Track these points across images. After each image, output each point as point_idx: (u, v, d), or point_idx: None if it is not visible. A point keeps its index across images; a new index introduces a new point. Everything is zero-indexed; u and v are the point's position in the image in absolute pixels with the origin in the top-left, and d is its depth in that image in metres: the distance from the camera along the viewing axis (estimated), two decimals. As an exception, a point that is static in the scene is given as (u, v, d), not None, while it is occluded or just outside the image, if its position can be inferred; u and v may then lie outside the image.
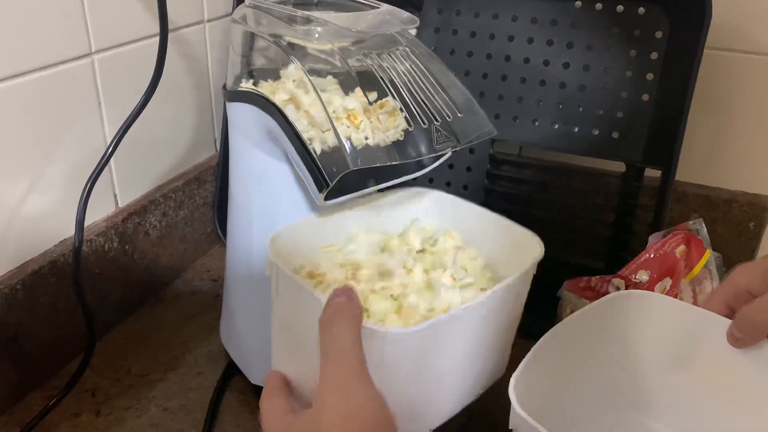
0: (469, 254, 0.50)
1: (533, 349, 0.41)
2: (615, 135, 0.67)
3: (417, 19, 0.47)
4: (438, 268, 0.49)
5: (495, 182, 0.73)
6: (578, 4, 0.66)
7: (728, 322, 0.42)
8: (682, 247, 0.57)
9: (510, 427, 0.37)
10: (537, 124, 0.70)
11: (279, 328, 0.44)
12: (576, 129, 0.69)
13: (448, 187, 0.75)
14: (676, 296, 0.55)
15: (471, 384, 0.45)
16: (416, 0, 0.71)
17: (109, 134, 0.61)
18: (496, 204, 0.71)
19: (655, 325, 0.46)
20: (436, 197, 0.54)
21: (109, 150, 0.54)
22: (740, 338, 0.41)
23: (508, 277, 0.42)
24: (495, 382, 0.48)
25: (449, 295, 0.45)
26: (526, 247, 0.46)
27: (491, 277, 0.49)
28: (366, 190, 0.48)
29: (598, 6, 0.66)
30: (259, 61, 0.50)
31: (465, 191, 0.74)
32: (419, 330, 0.38)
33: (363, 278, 0.46)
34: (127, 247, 0.64)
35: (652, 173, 0.65)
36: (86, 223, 0.59)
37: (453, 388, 0.44)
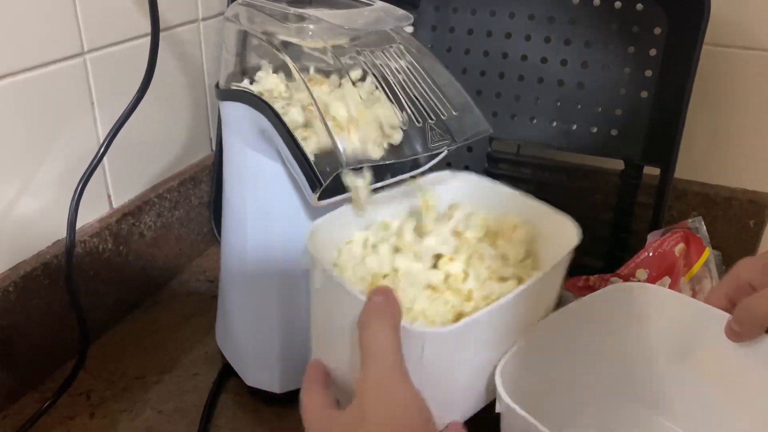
0: (513, 239, 0.48)
1: (525, 335, 0.41)
2: (614, 132, 0.66)
3: (411, 16, 0.46)
4: (475, 258, 0.46)
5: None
6: (576, 0, 0.66)
7: (728, 316, 0.41)
8: (681, 246, 0.56)
9: (497, 411, 0.38)
10: (535, 122, 0.69)
11: (317, 320, 0.43)
12: (574, 127, 0.68)
13: (445, 185, 0.74)
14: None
15: None
16: (412, -3, 0.71)
17: (102, 134, 0.60)
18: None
19: (655, 317, 0.46)
20: (468, 180, 0.52)
21: (101, 150, 0.54)
22: (739, 332, 0.41)
23: (542, 270, 0.41)
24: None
25: (487, 286, 0.43)
26: (561, 233, 0.45)
27: (531, 266, 0.47)
28: (361, 190, 0.48)
29: (596, 2, 0.65)
30: (252, 60, 0.49)
31: (463, 190, 0.73)
32: (458, 328, 0.37)
33: (401, 271, 0.44)
34: (121, 248, 0.64)
35: (651, 171, 0.64)
36: (80, 224, 0.59)
37: (488, 378, 0.43)
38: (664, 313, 0.45)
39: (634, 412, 0.47)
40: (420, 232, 0.47)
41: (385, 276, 0.44)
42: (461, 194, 0.52)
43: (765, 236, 0.73)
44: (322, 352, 0.43)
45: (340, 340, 0.39)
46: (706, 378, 0.44)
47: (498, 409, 0.37)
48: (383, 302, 0.35)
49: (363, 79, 0.46)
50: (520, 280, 0.44)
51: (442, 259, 0.45)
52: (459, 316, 0.41)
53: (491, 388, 0.42)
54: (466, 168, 0.73)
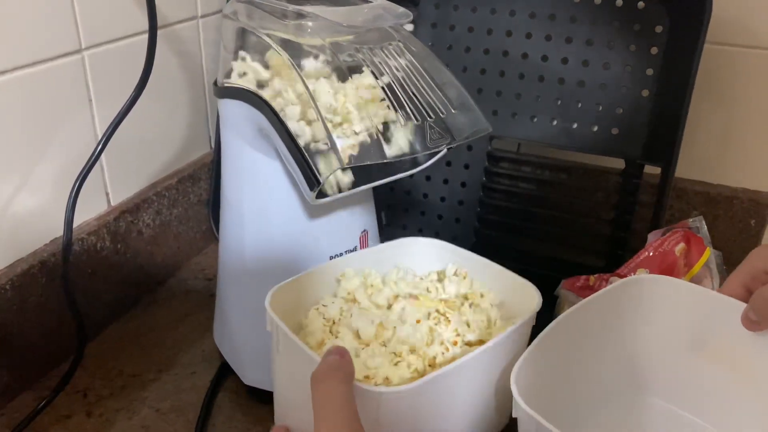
0: (480, 305, 0.49)
1: (538, 338, 0.40)
2: (614, 131, 0.66)
3: (411, 13, 0.46)
4: (443, 321, 0.47)
5: (493, 179, 0.72)
6: (577, -2, 0.65)
7: (743, 305, 0.41)
8: (681, 245, 0.56)
9: (513, 416, 0.37)
10: (535, 120, 0.69)
11: (280, 383, 0.44)
12: (575, 125, 0.68)
13: (445, 184, 0.74)
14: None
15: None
16: (413, -5, 0.70)
17: (101, 132, 0.60)
18: (494, 200, 0.72)
19: (668, 309, 0.45)
20: (432, 245, 0.53)
21: (99, 148, 0.54)
22: (755, 320, 0.40)
23: (506, 330, 0.41)
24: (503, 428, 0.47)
25: (451, 352, 0.44)
26: (523, 296, 0.46)
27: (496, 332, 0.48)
28: (359, 188, 0.47)
29: (598, 0, 0.65)
30: (250, 57, 0.49)
31: (463, 188, 0.73)
32: (414, 388, 0.37)
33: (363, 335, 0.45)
34: (119, 246, 0.63)
35: (653, 170, 0.64)
36: (77, 222, 0.59)
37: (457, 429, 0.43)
38: (677, 305, 0.45)
39: (653, 405, 0.47)
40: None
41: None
42: (425, 260, 0.53)
43: (766, 236, 0.73)
44: (285, 415, 0.43)
45: (301, 403, 0.38)
46: (723, 368, 0.43)
47: (514, 414, 0.37)
48: (337, 361, 0.35)
49: (361, 76, 0.45)
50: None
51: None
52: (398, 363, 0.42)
53: None
54: (466, 167, 0.72)
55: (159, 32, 0.62)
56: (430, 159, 0.51)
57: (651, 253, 0.56)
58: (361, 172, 0.47)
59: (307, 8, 0.45)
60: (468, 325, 0.46)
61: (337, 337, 0.44)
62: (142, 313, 0.67)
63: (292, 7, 0.45)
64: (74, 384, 0.56)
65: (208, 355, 0.61)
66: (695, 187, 0.73)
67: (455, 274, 0.51)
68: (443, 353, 0.43)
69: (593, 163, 0.71)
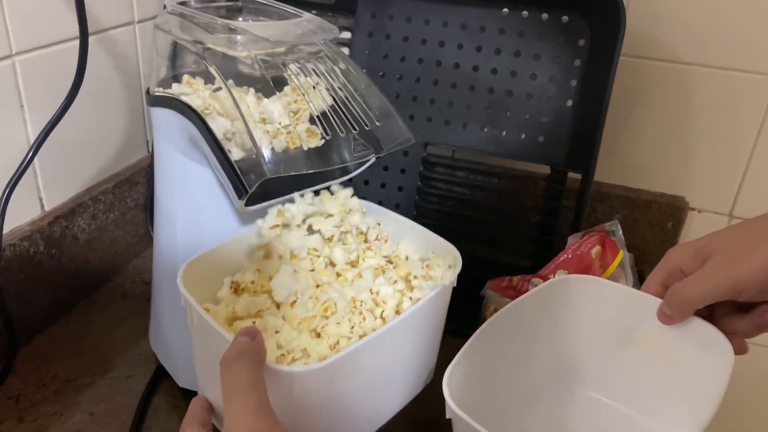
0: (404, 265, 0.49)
1: (470, 340, 0.43)
2: (540, 139, 0.69)
3: (337, 29, 0.48)
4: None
5: (429, 184, 0.75)
6: (506, 11, 0.68)
7: (659, 301, 0.44)
8: (597, 248, 0.59)
9: (447, 417, 0.39)
10: (467, 127, 0.72)
11: (198, 355, 0.44)
12: (504, 133, 0.71)
13: (382, 188, 0.76)
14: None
15: (391, 400, 0.47)
16: (350, 4, 0.72)
17: (33, 137, 0.60)
18: (429, 204, 0.74)
19: (594, 307, 0.49)
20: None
21: (30, 154, 0.54)
22: (669, 315, 0.43)
23: (422, 299, 0.43)
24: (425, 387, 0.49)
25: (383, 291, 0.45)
26: (445, 258, 0.48)
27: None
28: (288, 196, 0.49)
29: (525, 14, 0.68)
30: (182, 67, 0.50)
31: (399, 192, 0.75)
32: (327, 365, 0.38)
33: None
34: (54, 251, 0.63)
35: (577, 175, 0.68)
36: (10, 228, 0.59)
37: (370, 408, 0.45)
38: (602, 303, 0.48)
39: (584, 398, 0.50)
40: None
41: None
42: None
43: (682, 237, 0.78)
44: (205, 386, 0.44)
45: (217, 377, 0.39)
46: (647, 360, 0.47)
47: (448, 415, 0.39)
48: (246, 343, 0.35)
49: (289, 89, 0.47)
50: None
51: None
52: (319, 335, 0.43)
53: (383, 411, 0.44)
54: (402, 172, 0.75)
55: (94, 37, 0.63)
56: (359, 167, 0.53)
57: (569, 256, 0.59)
58: (292, 180, 0.49)
59: (238, 23, 0.46)
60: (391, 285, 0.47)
61: (255, 316, 0.44)
62: (78, 317, 0.67)
63: (222, 21, 0.46)
64: (5, 390, 0.56)
65: (145, 359, 0.61)
66: (617, 191, 0.78)
67: (377, 239, 0.51)
68: (360, 323, 0.44)
69: (522, 168, 0.74)
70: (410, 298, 0.45)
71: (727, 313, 0.43)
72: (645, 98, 0.74)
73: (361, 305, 0.45)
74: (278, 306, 0.44)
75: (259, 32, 0.45)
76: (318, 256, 0.47)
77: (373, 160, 0.51)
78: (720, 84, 0.71)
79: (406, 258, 0.51)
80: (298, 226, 0.49)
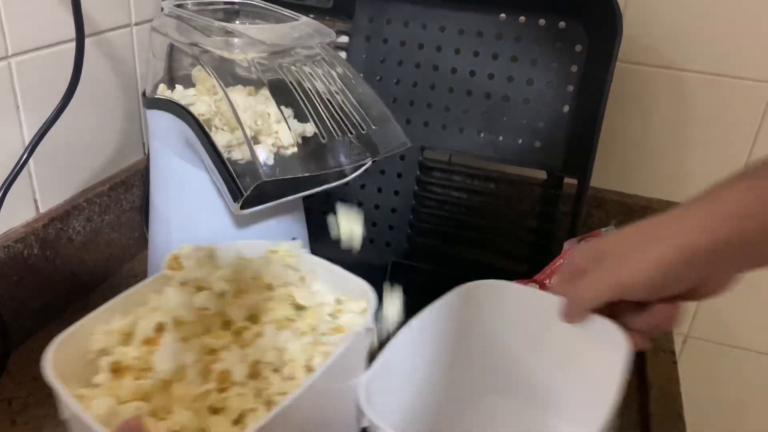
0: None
1: (384, 349, 0.42)
2: (537, 144, 0.69)
3: (334, 33, 0.48)
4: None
5: (425, 188, 0.75)
6: (503, 16, 0.69)
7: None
8: (593, 254, 0.59)
9: (362, 425, 0.38)
10: (464, 132, 0.72)
11: None
12: (500, 138, 0.71)
13: (379, 192, 0.76)
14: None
15: None
16: (347, 8, 0.72)
17: (28, 139, 0.59)
18: (425, 208, 0.74)
19: (507, 311, 0.49)
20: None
21: (25, 156, 0.53)
22: (568, 314, 0.44)
23: (333, 354, 0.38)
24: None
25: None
26: (359, 300, 0.44)
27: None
28: (284, 199, 0.49)
29: (522, 19, 0.68)
30: (178, 70, 0.50)
31: (396, 196, 0.75)
32: None
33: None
34: (48, 253, 0.63)
35: (574, 180, 0.68)
36: (4, 229, 0.59)
37: None
38: (514, 306, 0.49)
39: (501, 403, 0.50)
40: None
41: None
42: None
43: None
44: None
45: None
46: (558, 361, 0.47)
47: (363, 424, 0.37)
48: None
49: (285, 92, 0.47)
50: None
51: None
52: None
53: None
54: (399, 176, 0.75)
55: (91, 39, 0.62)
56: (355, 171, 0.53)
57: (564, 261, 0.59)
58: (288, 183, 0.49)
59: (235, 26, 0.46)
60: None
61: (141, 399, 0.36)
62: (72, 320, 0.66)
63: (219, 24, 0.46)
64: (-2, 393, 0.56)
65: (139, 362, 0.61)
66: (613, 197, 0.78)
67: (283, 284, 0.45)
68: (266, 389, 0.38)
69: (519, 173, 0.74)
70: (322, 352, 0.40)
71: (628, 310, 0.43)
72: (641, 104, 0.74)
73: (265, 368, 0.39)
74: (166, 384, 0.37)
75: (256, 35, 0.45)
76: (210, 316, 0.41)
77: (369, 163, 0.51)
78: (716, 90, 0.71)
79: (317, 304, 0.44)
80: (182, 284, 0.42)
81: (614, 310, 0.43)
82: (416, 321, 0.45)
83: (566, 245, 0.64)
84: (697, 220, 0.38)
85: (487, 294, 0.49)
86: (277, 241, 0.45)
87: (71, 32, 0.59)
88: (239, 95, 0.45)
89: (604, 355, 0.42)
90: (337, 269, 0.45)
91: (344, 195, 0.77)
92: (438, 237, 0.75)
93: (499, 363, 0.50)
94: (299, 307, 0.43)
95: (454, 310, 0.48)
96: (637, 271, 0.39)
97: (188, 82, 0.49)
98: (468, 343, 0.49)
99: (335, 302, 0.44)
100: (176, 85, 0.49)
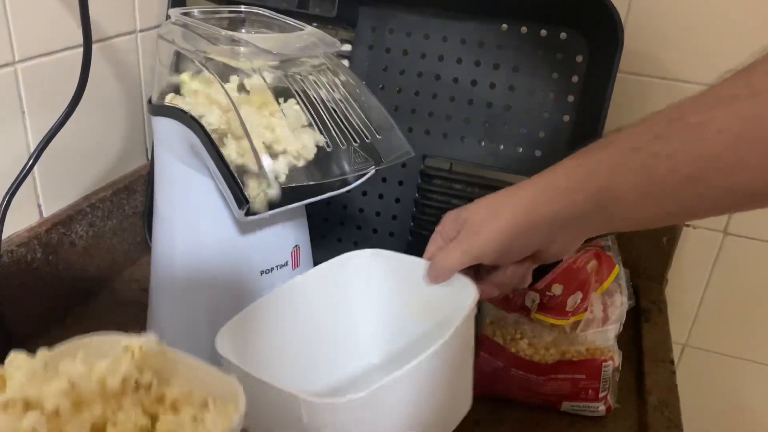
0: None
1: (250, 306, 0.46)
2: (537, 153, 0.70)
3: (338, 42, 0.48)
4: None
5: (426, 196, 0.75)
6: (504, 27, 0.69)
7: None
8: (593, 263, 0.60)
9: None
10: (465, 141, 0.72)
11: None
12: (501, 147, 0.71)
13: (380, 199, 0.76)
14: (586, 309, 0.58)
15: None
16: (350, 17, 0.73)
17: (33, 144, 0.60)
18: (426, 216, 0.75)
19: (384, 278, 0.53)
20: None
21: (31, 161, 0.54)
22: (433, 276, 0.49)
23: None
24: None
25: None
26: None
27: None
28: (288, 206, 0.49)
29: (523, 29, 0.69)
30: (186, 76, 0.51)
31: (397, 204, 0.76)
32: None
33: None
34: (51, 257, 0.63)
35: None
36: (7, 234, 0.59)
37: None
38: (396, 273, 0.52)
39: (374, 367, 0.54)
40: None
41: None
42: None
43: (677, 253, 0.79)
44: None
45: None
46: (422, 318, 0.51)
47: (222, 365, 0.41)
48: None
49: (290, 100, 0.47)
50: None
51: None
52: None
53: None
54: (400, 184, 0.75)
55: (96, 45, 0.63)
56: (358, 179, 0.53)
57: (565, 269, 0.60)
58: (292, 191, 0.49)
59: (241, 34, 0.47)
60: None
61: None
62: (74, 324, 0.67)
63: (225, 33, 0.47)
64: (0, 397, 0.56)
65: (140, 367, 0.61)
66: (613, 206, 0.78)
67: (135, 384, 0.34)
68: None
69: (518, 182, 0.75)
70: None
71: (488, 270, 0.49)
72: (642, 114, 0.75)
73: None
74: None
75: (261, 44, 0.45)
76: None
77: (372, 172, 0.51)
78: (715, 102, 0.71)
79: (180, 404, 0.35)
80: (6, 407, 0.32)
81: (479, 269, 0.49)
82: (288, 283, 0.49)
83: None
84: (533, 194, 0.44)
85: (366, 262, 0.53)
86: (129, 336, 0.36)
87: (77, 38, 0.60)
88: (245, 104, 0.46)
89: (457, 301, 0.47)
90: (203, 366, 0.36)
91: (346, 201, 0.77)
92: (438, 245, 0.76)
93: (376, 327, 0.54)
94: (154, 416, 0.35)
95: (330, 276, 0.52)
96: (486, 241, 0.45)
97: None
98: (347, 308, 0.53)
99: (199, 405, 0.35)
100: (181, 93, 0.50)
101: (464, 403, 0.49)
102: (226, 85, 0.46)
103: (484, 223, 0.45)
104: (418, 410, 0.43)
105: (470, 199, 0.75)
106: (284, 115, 0.46)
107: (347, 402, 0.38)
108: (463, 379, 0.49)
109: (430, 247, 0.50)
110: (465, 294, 0.47)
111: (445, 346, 0.42)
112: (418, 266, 0.50)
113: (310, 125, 0.46)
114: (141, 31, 0.71)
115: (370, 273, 0.53)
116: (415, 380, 0.42)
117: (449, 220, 0.49)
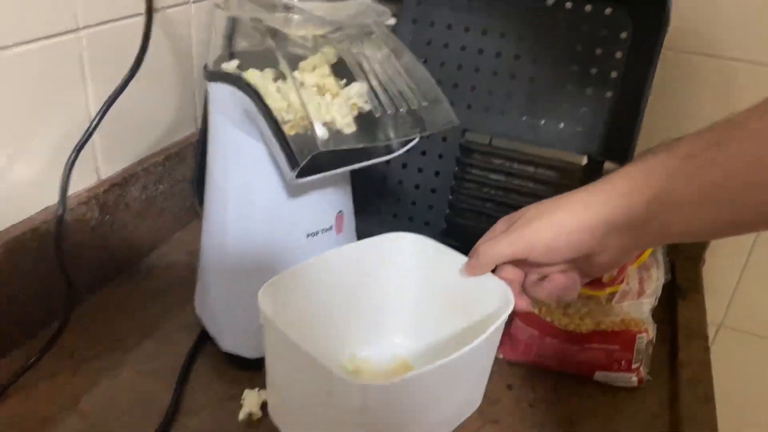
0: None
1: (296, 266, 0.49)
2: (579, 129, 0.70)
3: (390, 12, 0.50)
4: None
5: (465, 170, 0.76)
6: (550, 1, 0.70)
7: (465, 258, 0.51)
8: (631, 236, 0.60)
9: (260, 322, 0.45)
10: (505, 115, 0.73)
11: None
12: (542, 122, 0.72)
13: (420, 173, 0.78)
14: (622, 281, 0.58)
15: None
16: (396, -9, 0.74)
17: (93, 108, 0.63)
18: (465, 189, 0.76)
19: (416, 262, 0.55)
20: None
21: (93, 124, 0.57)
22: (471, 265, 0.49)
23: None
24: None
25: None
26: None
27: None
28: (337, 170, 0.51)
29: (569, 5, 0.69)
30: (239, 44, 0.53)
31: (436, 177, 0.77)
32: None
33: None
34: (107, 217, 0.67)
35: (613, 166, 0.69)
36: (69, 194, 0.62)
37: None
38: (427, 262, 0.54)
39: (396, 343, 0.57)
40: None
41: None
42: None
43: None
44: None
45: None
46: (455, 310, 0.52)
47: (261, 321, 0.44)
48: None
49: (341, 66, 0.49)
50: None
51: None
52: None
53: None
54: (440, 157, 0.76)
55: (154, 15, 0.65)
56: (404, 146, 0.55)
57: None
58: (338, 156, 0.51)
59: (294, 2, 0.49)
60: None
61: None
62: (127, 282, 0.70)
63: (279, 0, 0.49)
64: (61, 345, 0.60)
65: (188, 325, 0.64)
66: (652, 184, 0.78)
67: None
68: None
69: (559, 157, 0.75)
70: None
71: (532, 281, 0.49)
72: (686, 92, 0.75)
73: None
74: None
75: (315, 11, 0.47)
76: None
77: (417, 139, 0.53)
78: (763, 81, 0.71)
79: None
80: None
81: (525, 280, 0.49)
82: (331, 252, 0.51)
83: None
84: (589, 196, 0.45)
85: (401, 245, 0.54)
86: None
87: (138, 7, 0.62)
88: (298, 70, 0.48)
89: (489, 305, 0.48)
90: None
91: (386, 174, 0.79)
92: (476, 218, 0.77)
93: (401, 306, 0.56)
94: None
95: (368, 253, 0.54)
96: (537, 232, 0.45)
97: (249, 56, 0.51)
98: (377, 284, 0.55)
99: None
100: (236, 59, 0.52)
101: (474, 402, 0.51)
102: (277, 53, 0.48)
103: (537, 217, 0.46)
104: (438, 404, 0.46)
105: (509, 174, 0.76)
106: (336, 81, 0.47)
107: (390, 385, 0.41)
108: (479, 381, 0.50)
109: (478, 242, 0.50)
110: (499, 299, 0.47)
111: (477, 347, 0.43)
112: (457, 261, 0.51)
113: (359, 93, 0.47)
114: (194, 2, 0.73)
115: (409, 257, 0.55)
116: (445, 374, 0.43)
117: (501, 220, 0.50)
